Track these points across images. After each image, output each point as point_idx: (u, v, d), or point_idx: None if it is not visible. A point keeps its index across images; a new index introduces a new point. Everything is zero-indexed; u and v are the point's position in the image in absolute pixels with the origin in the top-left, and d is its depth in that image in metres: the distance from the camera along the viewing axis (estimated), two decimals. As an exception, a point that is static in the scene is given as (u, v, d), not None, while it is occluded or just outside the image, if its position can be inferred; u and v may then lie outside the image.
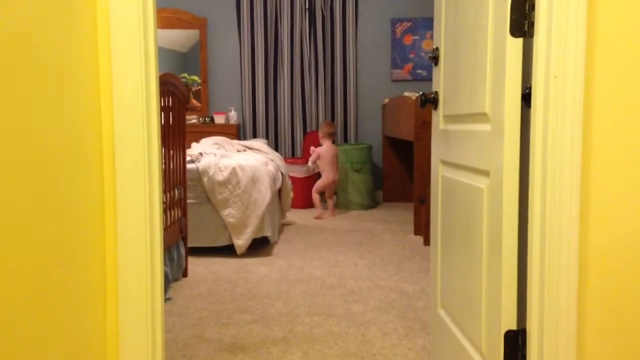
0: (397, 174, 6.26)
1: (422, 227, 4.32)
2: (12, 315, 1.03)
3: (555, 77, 1.39)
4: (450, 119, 1.94)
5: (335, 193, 5.71)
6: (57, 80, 1.26)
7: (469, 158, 1.73)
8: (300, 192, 5.81)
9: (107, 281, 1.50)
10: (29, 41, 1.13)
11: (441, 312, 2.03)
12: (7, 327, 1.01)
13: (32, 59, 1.14)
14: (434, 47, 2.10)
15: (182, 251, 3.42)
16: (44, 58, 1.19)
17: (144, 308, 1.51)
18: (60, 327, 1.24)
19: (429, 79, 5.18)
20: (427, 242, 4.13)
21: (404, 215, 5.46)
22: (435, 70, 2.10)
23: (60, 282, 1.24)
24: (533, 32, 1.42)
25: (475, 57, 1.66)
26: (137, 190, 1.49)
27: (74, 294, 1.31)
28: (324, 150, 5.53)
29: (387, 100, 6.08)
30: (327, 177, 5.51)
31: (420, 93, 2.10)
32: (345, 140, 6.46)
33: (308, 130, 6.45)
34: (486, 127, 1.58)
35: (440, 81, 2.02)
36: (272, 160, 4.67)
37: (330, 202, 5.57)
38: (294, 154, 6.42)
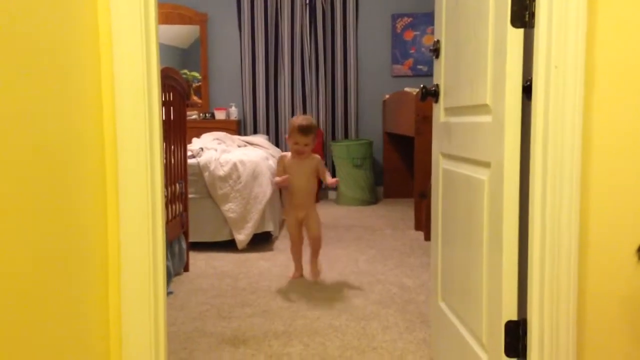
0: (397, 170, 6.26)
1: (423, 223, 4.32)
2: (14, 310, 1.04)
3: (556, 67, 1.39)
4: (451, 111, 1.94)
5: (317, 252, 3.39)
6: (58, 76, 1.26)
7: (469, 150, 1.73)
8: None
9: (110, 275, 1.50)
10: (30, 36, 1.13)
11: (442, 305, 2.03)
12: (9, 321, 1.02)
13: (32, 54, 1.14)
14: (435, 39, 2.10)
15: (184, 246, 3.43)
16: (44, 52, 1.20)
17: (147, 301, 1.51)
18: (63, 321, 1.24)
19: (429, 74, 5.17)
20: (427, 237, 4.13)
21: (405, 211, 5.46)
22: (436, 63, 2.10)
23: (63, 277, 1.24)
24: (534, 22, 1.42)
25: (476, 49, 1.66)
26: (139, 184, 1.49)
27: (76, 287, 1.32)
28: (290, 163, 3.26)
29: (387, 96, 6.08)
30: (296, 217, 3.31)
31: (422, 86, 2.10)
32: (346, 136, 6.46)
33: (309, 126, 6.44)
34: (487, 118, 1.58)
35: (441, 74, 2.02)
36: (272, 156, 4.67)
37: (315, 261, 3.35)
38: (295, 150, 6.42)
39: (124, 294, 1.50)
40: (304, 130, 3.17)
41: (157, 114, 1.52)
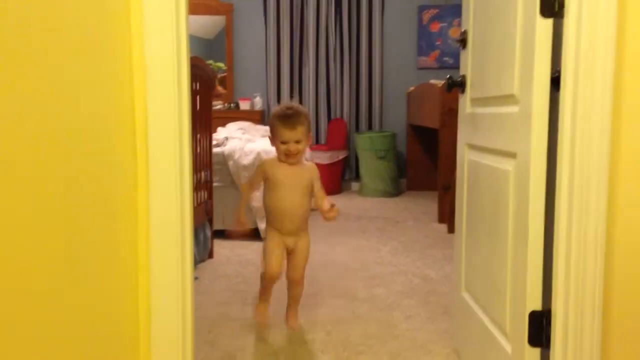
0: (421, 163, 6.25)
1: (446, 215, 4.31)
2: (49, 289, 1.07)
3: (585, 57, 1.38)
4: (478, 101, 1.94)
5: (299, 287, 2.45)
6: (92, 59, 1.29)
7: (495, 140, 1.73)
8: (324, 179, 5.75)
9: (140, 260, 1.53)
10: (65, 22, 1.16)
11: (465, 295, 2.04)
12: (46, 298, 1.05)
13: (67, 40, 1.17)
14: (462, 30, 2.09)
15: (208, 233, 3.47)
16: (78, 38, 1.22)
17: (175, 284, 1.54)
18: (96, 301, 1.27)
19: (456, 67, 5.13)
20: (451, 230, 4.12)
21: (428, 203, 5.45)
22: (463, 53, 2.09)
23: (93, 257, 1.27)
24: (563, 12, 1.42)
25: (504, 39, 1.66)
26: (169, 170, 1.52)
27: (106, 270, 1.35)
28: (277, 172, 2.30)
29: (412, 88, 6.06)
30: (283, 244, 2.34)
31: (448, 76, 2.10)
32: (370, 128, 6.45)
33: (332, 117, 6.45)
34: (514, 109, 1.58)
35: (468, 64, 2.02)
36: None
37: (294, 309, 2.46)
38: (318, 141, 6.43)
39: (154, 276, 1.53)
40: (289, 120, 2.21)
41: (186, 102, 1.55)
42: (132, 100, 1.49)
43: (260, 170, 2.34)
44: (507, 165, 1.63)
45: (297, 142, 2.24)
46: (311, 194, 2.35)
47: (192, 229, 1.60)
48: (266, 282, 2.35)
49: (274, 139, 2.28)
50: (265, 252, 2.33)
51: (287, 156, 2.24)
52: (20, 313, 0.96)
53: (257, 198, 2.86)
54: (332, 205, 2.28)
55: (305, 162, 2.38)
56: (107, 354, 1.34)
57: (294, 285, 2.43)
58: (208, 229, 3.49)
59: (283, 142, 2.23)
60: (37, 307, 1.02)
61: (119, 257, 1.43)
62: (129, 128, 1.49)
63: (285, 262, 2.37)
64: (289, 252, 2.37)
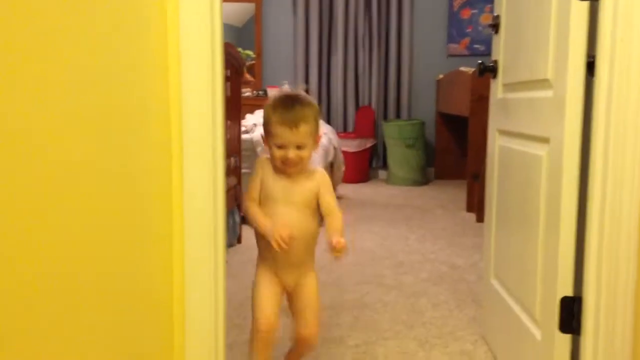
0: (449, 151, 6.20)
1: (475, 204, 4.28)
2: (87, 271, 1.10)
3: (621, 40, 1.36)
4: (510, 87, 1.92)
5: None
6: (128, 43, 1.31)
7: (528, 125, 1.72)
8: (351, 167, 5.80)
9: (174, 240, 1.56)
10: (102, 6, 1.18)
11: (494, 282, 2.03)
12: (85, 278, 1.08)
13: (106, 24, 1.19)
14: (495, 14, 2.07)
15: (237, 219, 3.51)
16: (116, 21, 1.24)
17: (208, 265, 1.56)
18: (131, 280, 1.30)
19: (487, 54, 5.07)
20: (479, 218, 4.09)
21: (456, 192, 5.42)
22: (495, 38, 2.07)
23: (129, 239, 1.30)
24: (600, -6, 1.39)
25: (538, 23, 1.63)
26: (203, 155, 1.53)
27: (141, 242, 1.38)
28: (269, 179, 1.67)
29: (441, 76, 6.00)
30: (280, 284, 1.71)
31: (479, 62, 2.08)
32: (398, 116, 6.42)
33: (360, 104, 6.43)
34: (547, 93, 1.56)
35: (500, 49, 2.00)
36: (324, 133, 4.70)
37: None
38: (346, 129, 6.42)
39: (188, 257, 1.55)
40: (289, 115, 1.58)
41: (220, 87, 1.55)
42: (166, 83, 1.51)
43: (258, 171, 1.68)
44: (540, 150, 1.61)
45: (299, 147, 1.58)
46: (317, 211, 1.68)
47: (225, 211, 1.62)
48: (258, 340, 1.64)
49: (267, 137, 1.63)
50: (253, 297, 1.67)
51: (284, 164, 1.60)
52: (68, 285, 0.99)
53: None
54: (339, 242, 1.57)
55: (312, 168, 1.69)
56: (143, 330, 1.37)
57: (303, 345, 1.74)
58: (237, 214, 3.52)
59: (280, 147, 1.59)
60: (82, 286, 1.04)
61: (154, 239, 1.45)
62: (163, 111, 1.51)
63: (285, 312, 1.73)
64: (290, 296, 1.74)
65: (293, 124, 1.57)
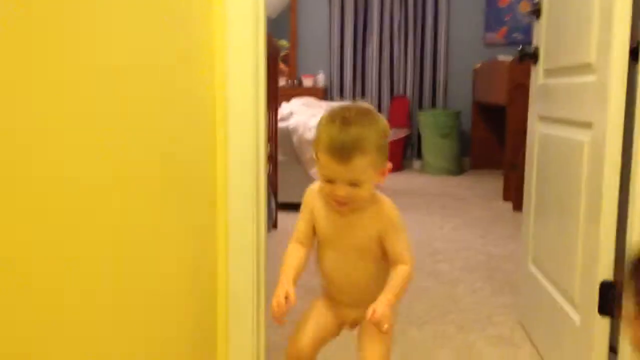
0: (485, 141, 6.14)
1: (512, 193, 4.25)
2: (136, 249, 1.15)
3: (668, 23, 1.34)
4: (551, 72, 1.91)
5: None
6: (178, 36, 1.35)
7: (570, 111, 1.71)
8: (385, 156, 5.79)
9: (218, 220, 1.61)
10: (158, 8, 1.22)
11: (532, 267, 2.03)
12: (138, 261, 1.13)
13: (161, 17, 1.23)
14: (535, 1, 2.06)
15: (272, 205, 3.56)
16: (171, 15, 1.29)
17: (250, 243, 1.63)
18: (178, 257, 1.35)
19: (525, 42, 5.00)
20: (516, 207, 4.06)
21: (492, 181, 5.37)
22: (536, 24, 2.06)
23: (179, 220, 1.35)
24: (646, -22, 1.38)
25: (581, 8, 1.62)
26: (246, 139, 1.60)
27: (190, 232, 1.43)
28: (320, 216, 1.38)
29: (478, 65, 5.94)
30: (319, 315, 1.48)
31: (520, 47, 2.07)
32: (433, 105, 6.38)
33: (395, 94, 6.42)
34: (590, 78, 1.55)
35: (542, 35, 1.99)
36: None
37: None
38: (381, 118, 6.41)
39: (231, 239, 1.61)
40: (342, 144, 1.22)
41: (262, 75, 1.62)
42: (212, 72, 1.56)
43: (307, 207, 1.41)
44: (582, 135, 1.60)
45: (353, 184, 1.25)
46: (380, 255, 1.36)
47: (266, 195, 1.67)
48: None
49: (317, 165, 1.30)
50: (298, 321, 1.46)
51: (336, 202, 1.30)
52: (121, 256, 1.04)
53: None
54: (374, 314, 1.21)
55: (375, 198, 1.36)
56: (189, 306, 1.43)
57: None
58: (273, 200, 3.57)
59: (329, 181, 1.27)
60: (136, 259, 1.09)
61: (200, 224, 1.50)
62: (210, 97, 1.55)
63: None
64: (354, 329, 1.46)
65: (344, 156, 1.21)
